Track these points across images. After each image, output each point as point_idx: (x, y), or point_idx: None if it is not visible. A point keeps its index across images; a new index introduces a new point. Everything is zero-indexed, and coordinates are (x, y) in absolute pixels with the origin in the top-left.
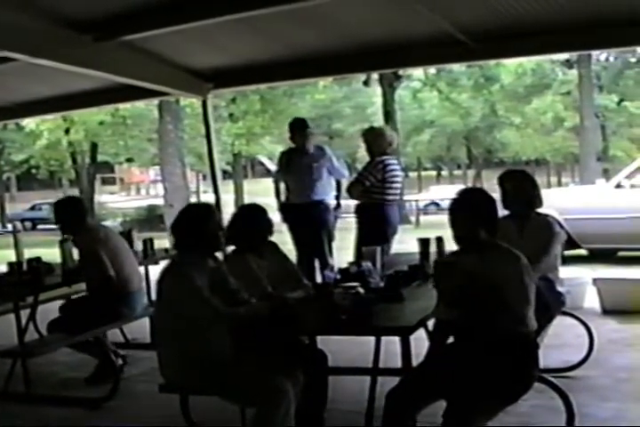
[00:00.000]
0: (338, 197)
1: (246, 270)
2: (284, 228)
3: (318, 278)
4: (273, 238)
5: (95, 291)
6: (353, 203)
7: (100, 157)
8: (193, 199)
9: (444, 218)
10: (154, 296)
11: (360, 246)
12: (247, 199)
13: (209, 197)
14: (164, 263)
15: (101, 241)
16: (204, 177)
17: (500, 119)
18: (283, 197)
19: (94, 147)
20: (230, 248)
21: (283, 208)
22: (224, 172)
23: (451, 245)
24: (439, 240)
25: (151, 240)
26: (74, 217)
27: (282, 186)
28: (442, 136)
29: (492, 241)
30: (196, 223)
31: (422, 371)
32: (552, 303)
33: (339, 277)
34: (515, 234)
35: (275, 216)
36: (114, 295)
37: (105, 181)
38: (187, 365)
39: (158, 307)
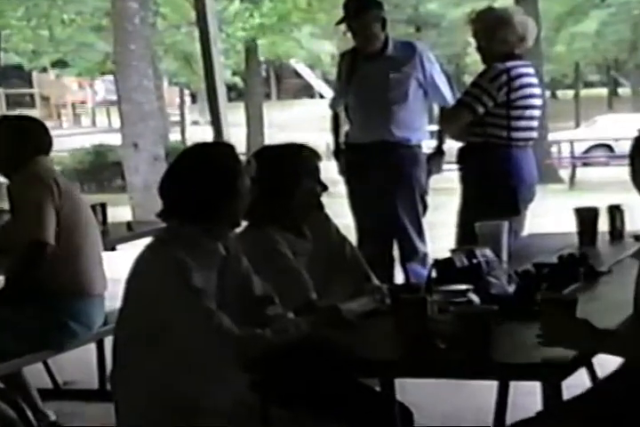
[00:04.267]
0: (440, 137)
1: (273, 260)
2: (342, 187)
3: (398, 276)
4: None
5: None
6: (456, 145)
7: (5, 58)
8: (174, 136)
9: (621, 171)
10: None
11: (468, 221)
12: (269, 136)
13: (202, 133)
14: (125, 249)
15: (53, 193)
16: (194, 97)
17: None
18: (342, 136)
19: None
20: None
21: (340, 153)
22: (229, 88)
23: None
24: (614, 210)
25: (103, 207)
26: (15, 146)
27: (343, 116)
28: (622, 23)
29: None
30: (217, 180)
31: None
32: None
33: (434, 274)
34: None
35: (329, 166)
36: (58, 295)
37: (15, 101)
38: (167, 421)
39: (123, 322)
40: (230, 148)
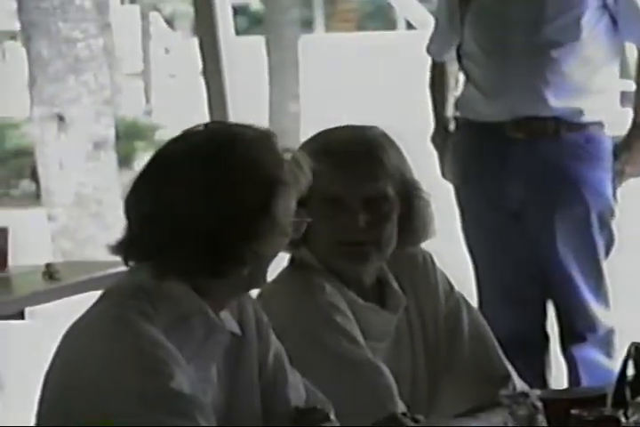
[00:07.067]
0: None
1: (326, 342)
2: (448, 203)
3: (559, 372)
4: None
5: None
6: None
7: None
8: (132, 99)
9: None
10: None
11: None
12: (309, 101)
13: (182, 95)
14: (42, 315)
15: None
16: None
17: None
18: (450, 107)
19: None
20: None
21: (446, 138)
22: (236, 11)
23: None
24: None
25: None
26: None
27: (454, 70)
28: None
29: None
30: (235, 202)
31: None
32: None
33: (631, 370)
34: None
35: (424, 161)
36: None
37: None
38: None
39: None
40: (263, 137)
